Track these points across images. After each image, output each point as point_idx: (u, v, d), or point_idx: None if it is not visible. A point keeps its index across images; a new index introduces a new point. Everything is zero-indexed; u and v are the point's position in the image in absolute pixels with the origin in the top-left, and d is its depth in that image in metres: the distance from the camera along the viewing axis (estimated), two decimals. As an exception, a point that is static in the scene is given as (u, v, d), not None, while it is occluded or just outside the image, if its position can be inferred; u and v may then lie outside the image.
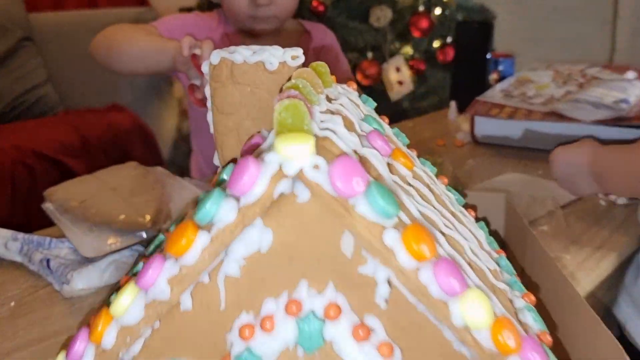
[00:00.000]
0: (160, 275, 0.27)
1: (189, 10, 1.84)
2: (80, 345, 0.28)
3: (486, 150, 1.03)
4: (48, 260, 0.64)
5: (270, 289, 0.29)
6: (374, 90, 1.64)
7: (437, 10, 1.72)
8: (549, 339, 0.33)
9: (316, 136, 0.29)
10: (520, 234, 0.59)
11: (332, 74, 0.46)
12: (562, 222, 0.73)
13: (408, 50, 1.68)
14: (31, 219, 1.23)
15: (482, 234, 0.46)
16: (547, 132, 1.02)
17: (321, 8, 1.55)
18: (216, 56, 0.41)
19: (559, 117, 1.01)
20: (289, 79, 0.35)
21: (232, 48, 0.41)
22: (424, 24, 1.59)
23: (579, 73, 1.25)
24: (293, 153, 0.26)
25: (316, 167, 0.26)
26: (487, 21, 1.39)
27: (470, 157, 0.99)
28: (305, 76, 0.36)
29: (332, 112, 0.34)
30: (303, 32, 1.01)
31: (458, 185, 0.85)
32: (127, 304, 0.28)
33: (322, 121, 0.31)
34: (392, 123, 0.50)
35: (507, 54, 1.37)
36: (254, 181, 0.26)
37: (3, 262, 0.68)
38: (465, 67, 1.28)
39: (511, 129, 1.03)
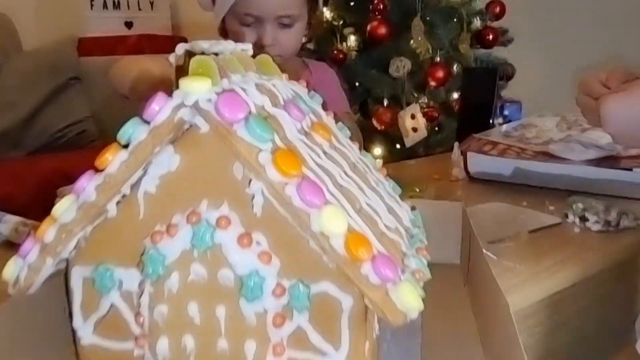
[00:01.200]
0: (90, 183, 0.35)
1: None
2: (28, 243, 0.36)
3: (478, 185, 1.07)
4: None
5: (179, 206, 0.36)
6: (390, 135, 1.71)
7: (456, 65, 1.80)
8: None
9: (223, 90, 0.37)
10: (471, 243, 0.63)
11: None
12: (526, 240, 0.76)
13: (425, 100, 1.76)
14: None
15: (407, 216, 0.51)
16: (537, 170, 1.05)
17: (342, 56, 1.67)
18: (180, 49, 0.50)
19: (550, 156, 1.04)
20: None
21: (194, 42, 0.50)
22: (440, 74, 1.68)
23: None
24: (192, 89, 0.33)
25: (209, 100, 0.33)
26: (493, 67, 1.46)
27: (458, 190, 1.03)
28: (240, 57, 0.44)
29: (257, 86, 0.42)
30: (305, 69, 1.11)
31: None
32: (65, 207, 0.35)
33: (237, 82, 0.39)
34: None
35: (514, 100, 1.43)
36: (161, 109, 0.33)
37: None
38: (471, 111, 1.35)
39: (502, 167, 1.07)
